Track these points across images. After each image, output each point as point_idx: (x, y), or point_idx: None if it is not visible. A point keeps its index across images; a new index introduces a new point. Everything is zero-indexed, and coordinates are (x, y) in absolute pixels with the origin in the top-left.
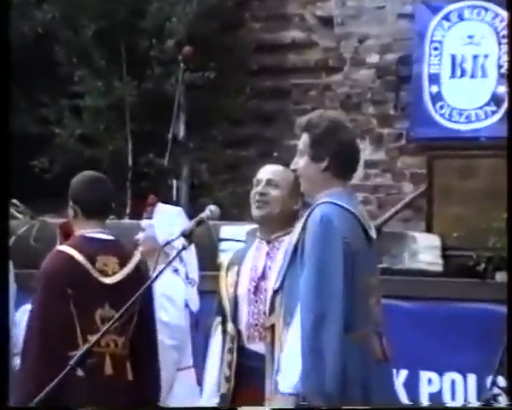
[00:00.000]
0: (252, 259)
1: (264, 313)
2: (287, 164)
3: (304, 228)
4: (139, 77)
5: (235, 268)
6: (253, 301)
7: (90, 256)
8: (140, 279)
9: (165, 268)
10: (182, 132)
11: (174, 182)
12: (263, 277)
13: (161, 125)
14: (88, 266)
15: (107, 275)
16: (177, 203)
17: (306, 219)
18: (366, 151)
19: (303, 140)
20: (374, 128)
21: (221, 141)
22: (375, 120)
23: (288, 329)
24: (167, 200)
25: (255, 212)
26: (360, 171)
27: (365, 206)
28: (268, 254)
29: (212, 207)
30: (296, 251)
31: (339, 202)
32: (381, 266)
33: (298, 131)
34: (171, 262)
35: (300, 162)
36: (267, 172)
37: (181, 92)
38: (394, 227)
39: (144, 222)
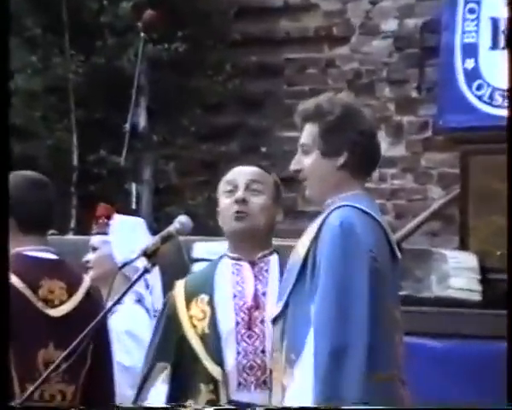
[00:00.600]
0: (230, 284)
1: (263, 352)
2: (277, 161)
3: (316, 238)
4: (86, 50)
5: (204, 297)
6: (246, 338)
7: (32, 281)
8: (93, 311)
9: (122, 296)
10: (143, 122)
11: (133, 186)
12: (256, 306)
13: (116, 113)
14: (28, 293)
15: (52, 305)
16: (137, 213)
17: (320, 227)
18: (381, 146)
19: (309, 132)
20: (391, 116)
21: (194, 132)
22: (392, 106)
23: (292, 369)
24: (125, 209)
25: (235, 225)
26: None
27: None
28: (256, 277)
29: (183, 219)
30: (305, 268)
31: (361, 206)
32: (401, 293)
33: (299, 120)
34: (129, 289)
35: (307, 160)
36: (244, 173)
37: (141, 70)
38: (418, 243)
39: (96, 239)
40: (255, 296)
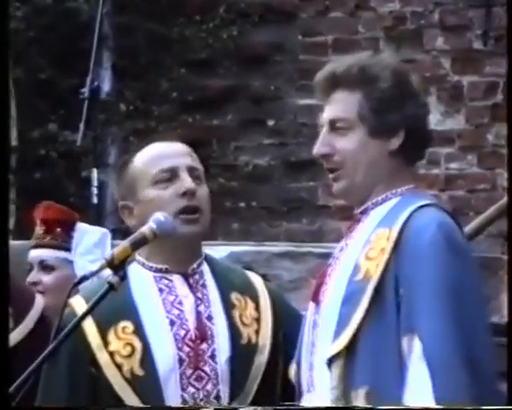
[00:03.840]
0: (161, 307)
1: (217, 398)
2: (288, 139)
3: (396, 248)
4: None
5: (127, 326)
6: (193, 380)
7: None
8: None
9: (80, 321)
10: (107, 85)
11: (94, 172)
12: (202, 336)
13: (69, 73)
14: None
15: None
16: (99, 211)
17: (400, 235)
18: (432, 116)
19: (347, 103)
20: (446, 75)
21: (176, 99)
22: (447, 61)
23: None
24: (83, 207)
25: (184, 229)
26: None
27: None
28: (194, 295)
29: (161, 217)
30: (382, 288)
31: (444, 207)
32: None
33: (324, 85)
34: (90, 311)
35: (344, 142)
36: (182, 153)
37: (104, 13)
38: (484, 250)
39: (50, 254)
40: (198, 322)
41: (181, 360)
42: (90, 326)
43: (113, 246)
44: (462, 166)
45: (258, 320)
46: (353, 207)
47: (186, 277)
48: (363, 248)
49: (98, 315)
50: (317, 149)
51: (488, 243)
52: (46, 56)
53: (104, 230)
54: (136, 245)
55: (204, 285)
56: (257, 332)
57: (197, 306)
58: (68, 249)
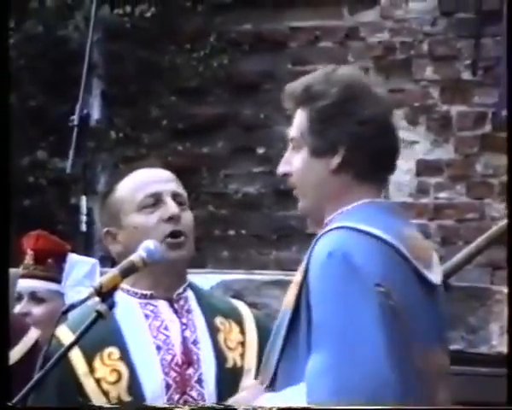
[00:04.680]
0: (147, 332)
1: None
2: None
3: (306, 276)
4: (17, 13)
5: (113, 352)
6: (181, 406)
7: None
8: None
9: (67, 350)
10: (97, 113)
11: (83, 200)
12: (188, 361)
13: (59, 100)
14: None
15: None
16: (88, 239)
17: (308, 259)
18: (421, 145)
19: (298, 122)
20: (435, 105)
21: (166, 127)
22: (436, 91)
23: None
24: (71, 234)
25: (170, 254)
26: (411, 179)
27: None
28: (180, 320)
29: (151, 245)
30: (296, 318)
31: (364, 227)
32: (450, 347)
33: (288, 104)
34: (78, 340)
35: (295, 160)
36: (165, 179)
37: (94, 42)
38: (473, 279)
39: (40, 285)
40: (184, 347)
41: (168, 386)
42: (76, 354)
43: (101, 274)
44: (451, 195)
45: (243, 344)
46: None
47: (171, 302)
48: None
49: (83, 342)
50: (280, 167)
51: (477, 273)
52: (36, 84)
53: (94, 260)
54: (126, 273)
55: (189, 310)
56: (242, 356)
57: (183, 331)
58: (59, 281)
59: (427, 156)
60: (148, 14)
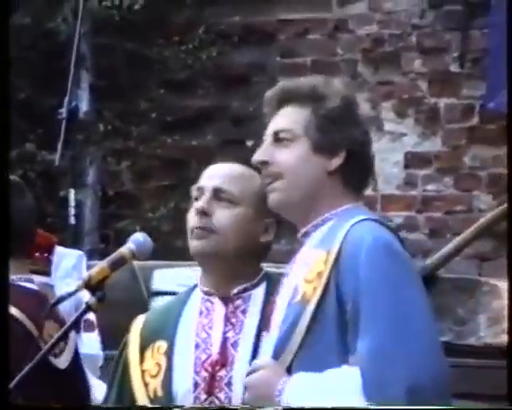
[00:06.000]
0: (192, 328)
1: None
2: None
3: (335, 268)
4: (2, 5)
5: (162, 345)
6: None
7: (35, 319)
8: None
9: (57, 342)
10: (85, 105)
11: (71, 193)
12: (222, 361)
13: (47, 93)
14: (35, 333)
15: (55, 354)
16: (76, 232)
17: (338, 255)
18: (409, 138)
19: (295, 116)
20: (423, 97)
21: (155, 120)
22: (424, 84)
23: None
24: (60, 227)
25: (193, 245)
26: (399, 172)
27: (409, 233)
28: (227, 319)
29: (140, 237)
30: (322, 311)
31: (382, 220)
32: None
33: (274, 100)
34: (68, 331)
35: (286, 154)
36: (215, 174)
37: (82, 34)
38: (461, 271)
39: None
40: (222, 348)
41: (196, 385)
42: (134, 344)
43: (89, 267)
44: (439, 187)
45: None
46: None
47: (226, 300)
48: (302, 271)
49: (144, 333)
50: (257, 155)
51: (465, 265)
52: (24, 76)
53: (80, 252)
54: (115, 265)
55: (244, 311)
56: None
57: (226, 332)
58: (48, 274)
59: (415, 148)
60: (137, 7)
